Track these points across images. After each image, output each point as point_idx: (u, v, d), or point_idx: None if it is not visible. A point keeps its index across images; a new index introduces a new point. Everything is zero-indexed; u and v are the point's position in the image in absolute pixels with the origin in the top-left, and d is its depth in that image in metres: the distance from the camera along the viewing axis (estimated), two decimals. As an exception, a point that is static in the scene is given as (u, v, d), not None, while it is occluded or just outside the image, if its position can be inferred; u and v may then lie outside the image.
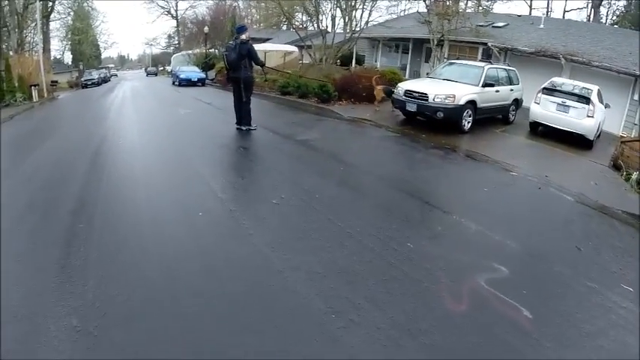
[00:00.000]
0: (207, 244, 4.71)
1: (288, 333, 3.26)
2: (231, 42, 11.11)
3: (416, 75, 24.09)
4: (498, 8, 27.18)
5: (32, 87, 23.42)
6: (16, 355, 3.00)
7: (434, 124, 11.62)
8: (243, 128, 10.76)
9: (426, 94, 11.38)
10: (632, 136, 14.39)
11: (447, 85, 11.84)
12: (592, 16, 37.84)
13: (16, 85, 22.19)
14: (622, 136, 12.54)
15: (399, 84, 13.05)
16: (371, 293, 3.76)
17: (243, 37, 10.24)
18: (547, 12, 40.23)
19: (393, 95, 12.89)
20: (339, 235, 4.95)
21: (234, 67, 10.53)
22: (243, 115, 10.81)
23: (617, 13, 39.03)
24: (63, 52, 60.32)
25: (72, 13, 53.29)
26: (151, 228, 5.11)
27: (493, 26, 23.24)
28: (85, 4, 54.96)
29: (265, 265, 4.21)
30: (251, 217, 5.42)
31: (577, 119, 11.50)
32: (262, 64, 11.22)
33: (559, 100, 11.86)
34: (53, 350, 3.03)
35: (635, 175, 8.72)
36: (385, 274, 4.12)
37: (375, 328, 3.32)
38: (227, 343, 3.15)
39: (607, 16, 39.66)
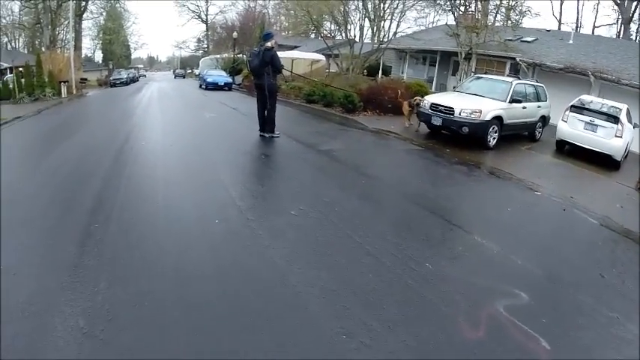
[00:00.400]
0: (222, 253, 4.69)
1: (296, 352, 3.20)
2: (255, 48, 11.16)
3: (442, 88, 23.98)
4: (527, 23, 26.93)
5: (62, 83, 23.98)
6: (20, 353, 3.01)
7: (459, 138, 11.51)
8: (266, 135, 10.78)
9: (452, 108, 11.28)
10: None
11: (473, 100, 11.72)
12: (622, 32, 37.30)
13: (46, 80, 22.69)
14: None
15: (425, 97, 12.97)
16: (385, 315, 3.68)
17: (269, 44, 10.22)
18: (576, 27, 39.92)
19: (418, 108, 12.79)
20: (357, 251, 4.88)
21: (257, 74, 10.55)
22: (267, 122, 10.81)
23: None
24: (94, 51, 61.64)
25: (104, 13, 54.23)
26: (167, 232, 5.13)
27: (522, 41, 23.00)
28: (118, 5, 55.85)
29: (279, 278, 4.17)
30: (268, 227, 5.38)
31: (605, 139, 11.30)
32: (279, 69, 10.96)
33: (587, 118, 11.68)
34: (58, 350, 3.04)
35: (662, 200, 8.51)
36: (402, 295, 4.03)
37: (388, 352, 3.24)
38: (233, 358, 3.10)
39: (637, 32, 39.06)
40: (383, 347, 3.29)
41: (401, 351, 3.27)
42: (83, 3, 44.21)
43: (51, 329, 3.22)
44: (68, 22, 33.78)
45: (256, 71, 10.52)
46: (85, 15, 46.72)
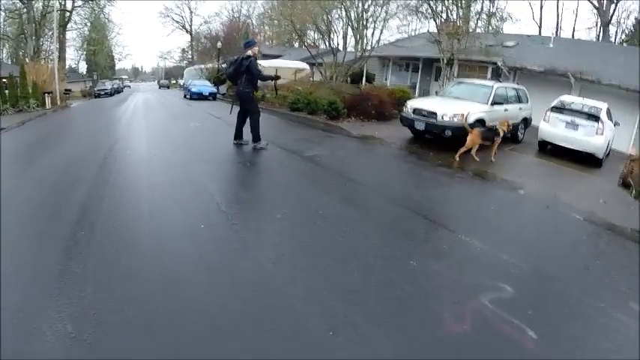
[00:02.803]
0: (207, 257, 4.66)
1: (284, 351, 3.19)
2: (235, 57, 11.06)
3: (425, 94, 24.09)
4: (508, 28, 27.21)
5: (46, 94, 23.76)
6: (9, 358, 2.98)
7: (442, 142, 11.56)
8: (242, 143, 10.63)
9: (434, 112, 11.33)
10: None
11: (455, 104, 11.79)
12: (601, 35, 37.83)
13: (30, 91, 22.51)
14: (631, 155, 12.39)
15: (408, 102, 13.02)
16: (371, 312, 3.69)
17: (249, 52, 10.07)
18: (557, 31, 40.36)
19: (401, 113, 12.84)
20: (342, 252, 4.88)
21: (233, 82, 10.54)
22: (251, 131, 10.43)
23: (627, 32, 39.03)
24: (78, 62, 61.30)
25: (88, 24, 53.83)
26: (152, 238, 5.07)
27: (503, 46, 23.19)
28: (102, 16, 55.57)
29: (265, 280, 4.15)
30: (253, 231, 5.38)
31: (586, 137, 11.42)
32: (264, 78, 10.69)
33: (568, 118, 11.80)
34: (46, 354, 3.02)
35: (645, 194, 8.62)
36: (387, 292, 4.05)
37: (375, 346, 3.25)
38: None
39: (616, 35, 39.67)
40: (369, 342, 3.29)
41: (387, 345, 3.27)
42: (67, 14, 43.98)
43: (39, 334, 3.19)
44: (52, 33, 33.59)
45: (231, 79, 10.60)
46: (69, 26, 46.35)
